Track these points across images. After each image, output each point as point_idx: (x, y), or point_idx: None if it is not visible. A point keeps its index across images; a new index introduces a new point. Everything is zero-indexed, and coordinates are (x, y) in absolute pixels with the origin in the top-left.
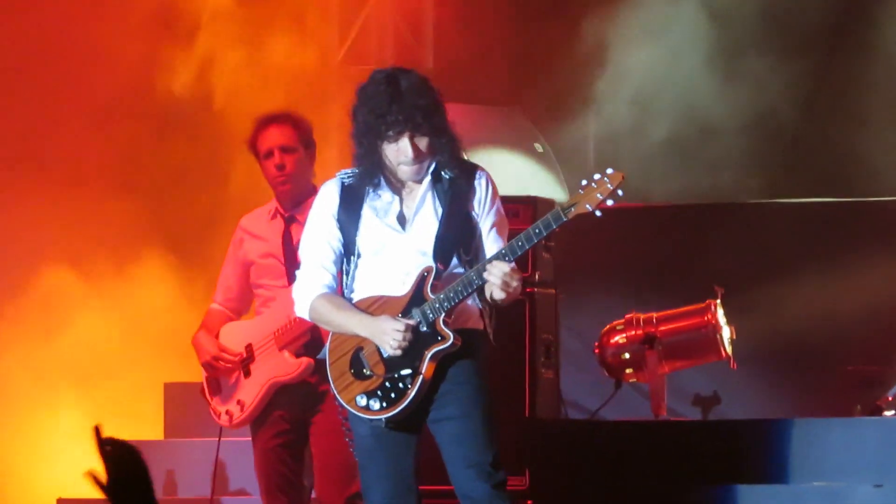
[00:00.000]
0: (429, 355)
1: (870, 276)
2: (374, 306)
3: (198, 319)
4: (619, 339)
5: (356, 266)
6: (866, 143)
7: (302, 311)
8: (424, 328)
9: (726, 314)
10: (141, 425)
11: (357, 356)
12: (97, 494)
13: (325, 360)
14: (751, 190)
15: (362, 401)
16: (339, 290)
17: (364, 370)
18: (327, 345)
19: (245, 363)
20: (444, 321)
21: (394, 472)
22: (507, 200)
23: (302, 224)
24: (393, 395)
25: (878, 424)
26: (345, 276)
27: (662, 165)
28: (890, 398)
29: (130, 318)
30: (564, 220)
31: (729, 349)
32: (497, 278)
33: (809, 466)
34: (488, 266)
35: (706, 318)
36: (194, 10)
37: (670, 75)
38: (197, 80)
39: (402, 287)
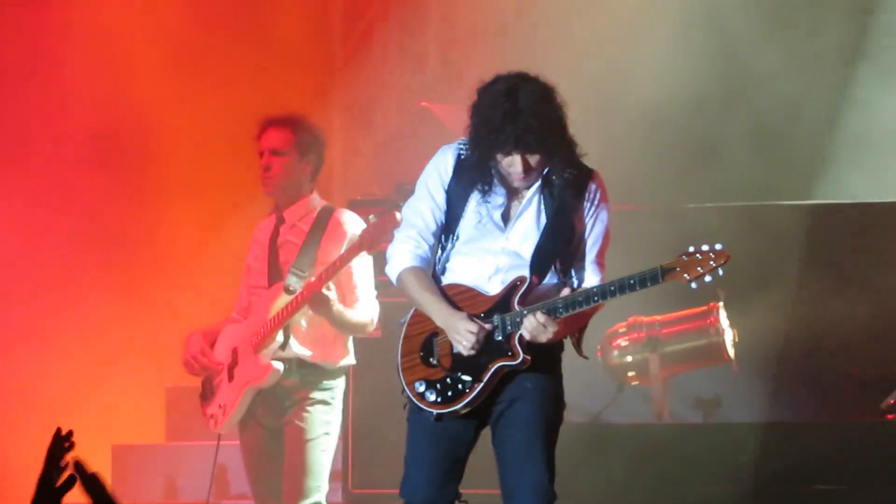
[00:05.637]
0: (493, 368)
1: (874, 279)
2: (462, 296)
3: (197, 323)
4: (621, 342)
5: (453, 246)
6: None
7: (392, 273)
8: (499, 337)
9: (728, 317)
10: (143, 429)
11: (430, 340)
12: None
13: (401, 327)
14: (755, 191)
15: (420, 387)
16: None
17: (432, 358)
18: (409, 315)
19: (231, 368)
20: (520, 338)
21: (438, 463)
22: None
23: (290, 226)
24: (450, 394)
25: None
26: (439, 252)
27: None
28: (892, 402)
29: (133, 323)
30: (660, 282)
31: (732, 352)
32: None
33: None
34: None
35: (709, 321)
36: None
37: None
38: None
39: (488, 283)
